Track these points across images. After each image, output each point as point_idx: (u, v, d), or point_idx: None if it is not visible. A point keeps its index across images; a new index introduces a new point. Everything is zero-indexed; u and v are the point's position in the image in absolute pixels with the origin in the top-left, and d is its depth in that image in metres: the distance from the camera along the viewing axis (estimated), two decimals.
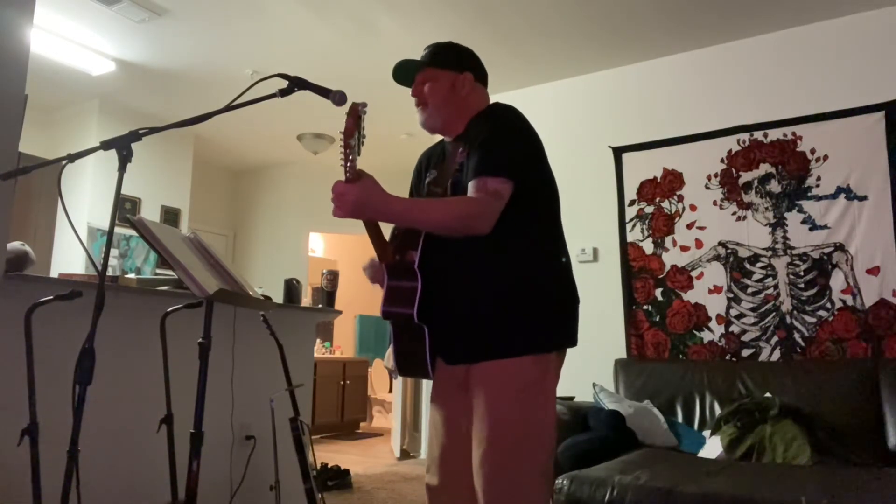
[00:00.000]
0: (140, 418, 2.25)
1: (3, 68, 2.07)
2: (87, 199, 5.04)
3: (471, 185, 1.45)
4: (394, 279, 1.52)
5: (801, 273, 3.52)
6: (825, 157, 3.54)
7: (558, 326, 1.51)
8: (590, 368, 3.50)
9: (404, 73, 1.67)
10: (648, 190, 4.05)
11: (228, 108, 1.54)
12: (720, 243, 3.77)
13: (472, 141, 1.53)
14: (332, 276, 3.40)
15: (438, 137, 1.73)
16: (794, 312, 3.50)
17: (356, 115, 1.33)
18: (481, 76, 1.68)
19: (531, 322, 1.47)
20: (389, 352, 1.58)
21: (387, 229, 1.57)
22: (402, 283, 1.48)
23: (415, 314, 1.44)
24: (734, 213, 3.75)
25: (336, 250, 8.38)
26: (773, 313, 3.55)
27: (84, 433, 1.47)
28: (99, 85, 4.81)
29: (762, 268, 3.63)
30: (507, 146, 1.49)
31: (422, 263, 1.46)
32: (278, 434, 2.65)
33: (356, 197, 1.34)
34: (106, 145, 1.46)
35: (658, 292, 3.92)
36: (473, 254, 1.48)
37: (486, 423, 1.43)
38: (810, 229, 3.53)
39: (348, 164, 1.35)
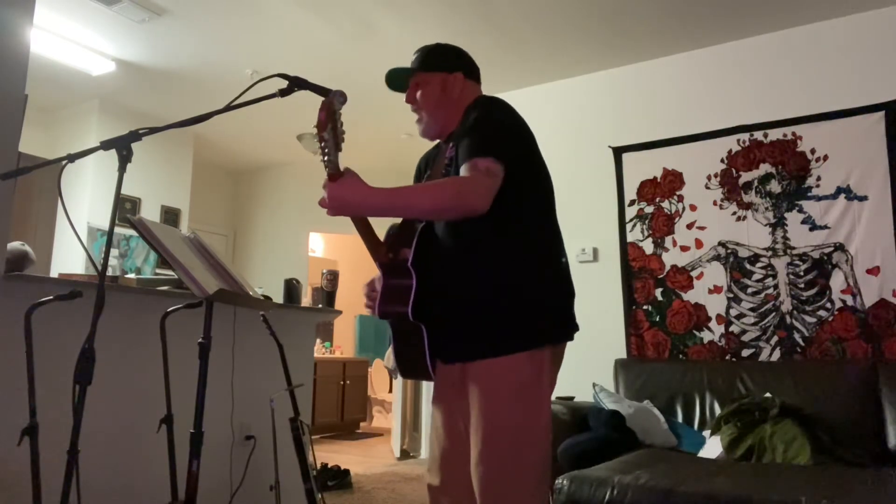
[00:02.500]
0: (140, 418, 2.25)
1: (3, 68, 2.07)
2: (87, 199, 5.04)
3: (462, 169, 1.42)
4: (388, 278, 1.51)
5: (801, 273, 3.52)
6: (825, 157, 3.54)
7: (552, 320, 1.50)
8: (590, 368, 3.50)
9: (397, 80, 1.67)
10: (648, 190, 4.05)
11: (228, 108, 1.54)
12: (720, 243, 3.77)
13: (459, 133, 1.52)
14: (332, 276, 3.40)
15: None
16: (794, 312, 3.50)
17: (329, 108, 1.31)
18: (472, 73, 1.68)
19: (524, 318, 1.45)
20: (389, 352, 1.58)
21: (380, 230, 1.56)
22: (397, 282, 1.47)
23: (409, 312, 1.43)
24: (734, 213, 3.76)
25: (336, 250, 8.38)
26: (773, 313, 3.55)
27: (84, 433, 1.47)
28: (99, 85, 4.81)
29: (762, 268, 3.63)
30: (494, 129, 1.47)
31: (416, 261, 1.45)
32: (278, 434, 2.65)
33: (336, 196, 1.34)
34: (106, 145, 1.46)
35: (658, 292, 3.92)
36: (466, 248, 1.47)
37: (482, 422, 1.43)
38: (810, 229, 3.53)
39: (326, 160, 1.34)
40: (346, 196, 1.35)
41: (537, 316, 1.47)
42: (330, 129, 1.31)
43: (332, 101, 1.32)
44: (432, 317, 1.46)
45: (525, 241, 1.50)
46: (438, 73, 1.63)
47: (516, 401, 1.43)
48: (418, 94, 1.63)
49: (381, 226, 1.53)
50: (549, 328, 1.49)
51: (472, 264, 1.48)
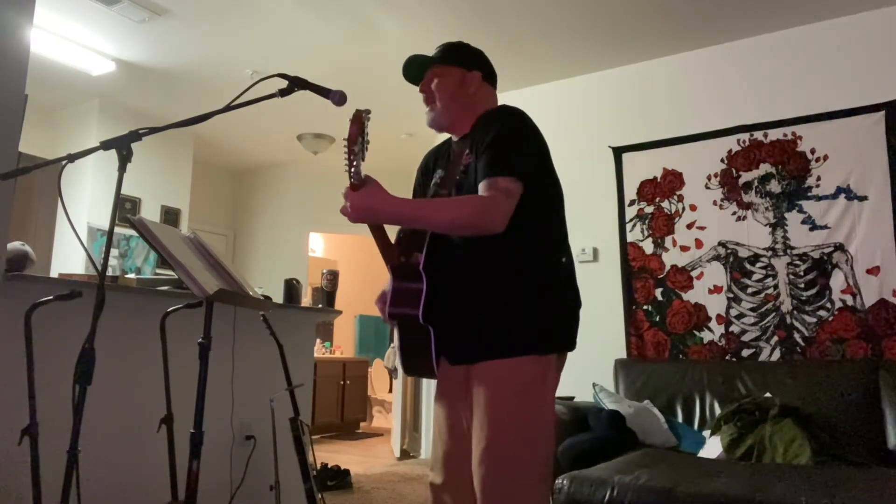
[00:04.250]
0: (140, 418, 2.25)
1: (3, 68, 2.07)
2: (87, 199, 5.04)
3: (481, 186, 1.45)
4: (399, 281, 1.52)
5: (801, 273, 3.52)
6: (825, 157, 3.54)
7: (559, 329, 1.51)
8: (590, 368, 3.49)
9: (413, 69, 1.68)
10: (648, 190, 4.05)
11: (228, 108, 1.54)
12: (720, 243, 3.77)
13: (478, 141, 1.53)
14: (332, 276, 3.40)
15: (444, 136, 1.73)
16: (794, 312, 3.50)
17: (360, 122, 1.34)
18: (490, 77, 1.69)
19: (532, 323, 1.47)
20: (390, 352, 1.58)
21: (391, 231, 1.56)
22: (408, 285, 1.49)
23: (420, 315, 1.44)
24: (734, 213, 3.75)
25: (336, 250, 8.38)
26: (773, 313, 3.55)
27: (84, 433, 1.47)
28: (99, 85, 4.81)
29: (762, 268, 3.63)
30: (516, 147, 1.49)
31: (427, 265, 1.46)
32: (278, 434, 2.65)
33: (360, 204, 1.36)
34: (106, 145, 1.46)
35: (658, 292, 3.92)
36: (477, 255, 1.48)
37: (485, 422, 1.43)
38: (810, 229, 3.53)
39: (352, 171, 1.36)
40: (372, 206, 1.38)
41: (545, 323, 1.49)
42: (359, 142, 1.34)
43: (362, 115, 1.34)
44: (441, 319, 1.47)
45: (536, 249, 1.51)
46: (457, 69, 1.64)
47: (520, 401, 1.44)
48: (434, 83, 1.64)
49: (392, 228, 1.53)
50: (555, 337, 1.51)
51: (482, 270, 1.49)
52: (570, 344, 1.53)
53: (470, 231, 1.44)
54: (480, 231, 1.42)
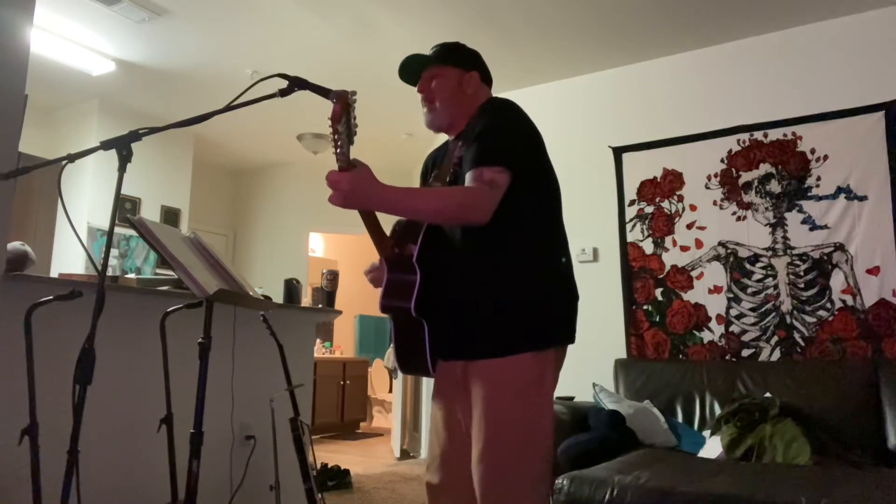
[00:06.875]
0: (140, 418, 2.25)
1: (3, 68, 2.07)
2: (87, 199, 5.04)
3: (468, 176, 1.44)
4: (393, 272, 1.52)
5: (801, 273, 3.52)
6: (825, 157, 3.54)
7: (557, 323, 1.51)
8: (590, 368, 3.50)
9: (410, 70, 1.67)
10: (648, 190, 4.05)
11: (228, 108, 1.54)
12: (720, 243, 3.77)
13: (469, 134, 1.53)
14: (332, 276, 3.39)
15: (442, 137, 1.73)
16: (794, 312, 3.50)
17: (344, 101, 1.31)
18: (486, 77, 1.70)
19: (529, 319, 1.46)
20: (390, 351, 1.59)
21: (387, 224, 1.56)
22: (402, 277, 1.48)
23: (412, 308, 1.43)
24: (734, 213, 3.76)
25: (336, 250, 8.38)
26: (773, 313, 3.55)
27: (84, 433, 1.47)
28: (99, 85, 4.81)
29: (762, 268, 3.63)
30: (504, 136, 1.49)
31: (421, 257, 1.45)
32: (278, 434, 2.65)
33: (348, 185, 1.32)
34: (106, 145, 1.46)
35: (658, 292, 3.92)
36: (472, 248, 1.48)
37: (485, 421, 1.43)
38: (810, 229, 3.53)
39: (339, 152, 1.34)
40: (359, 188, 1.33)
41: (543, 318, 1.48)
42: (344, 122, 1.31)
43: (347, 95, 1.32)
44: (435, 314, 1.46)
45: (532, 243, 1.51)
46: (456, 69, 1.64)
47: (520, 400, 1.43)
48: (433, 84, 1.64)
49: (387, 221, 1.53)
50: (554, 330, 1.50)
51: (478, 263, 1.48)
52: (570, 337, 1.52)
53: (454, 221, 1.45)
54: (464, 221, 1.44)
